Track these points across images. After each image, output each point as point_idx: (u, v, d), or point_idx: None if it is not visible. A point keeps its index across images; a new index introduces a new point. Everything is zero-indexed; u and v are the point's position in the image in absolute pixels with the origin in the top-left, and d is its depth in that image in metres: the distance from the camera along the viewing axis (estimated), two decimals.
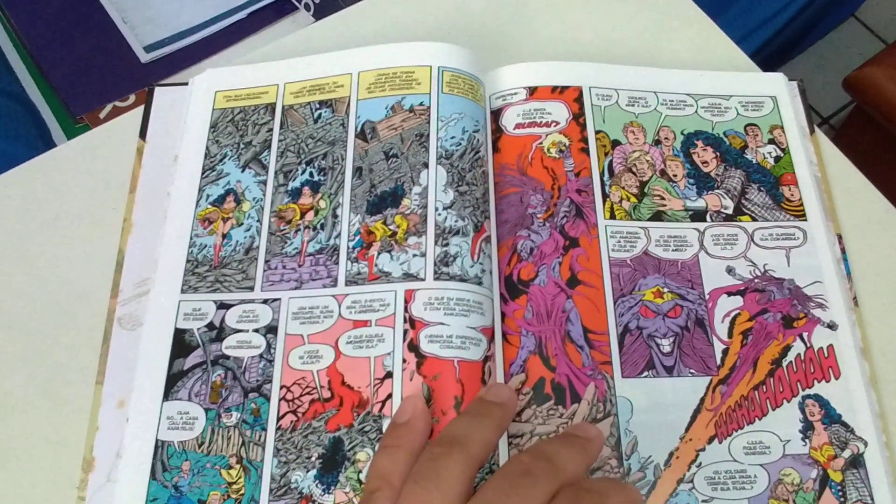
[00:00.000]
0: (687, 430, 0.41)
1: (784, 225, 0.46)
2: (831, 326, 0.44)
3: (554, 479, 0.31)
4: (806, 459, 0.40)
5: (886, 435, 0.42)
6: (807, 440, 0.41)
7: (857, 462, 0.40)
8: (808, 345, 0.43)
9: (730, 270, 0.45)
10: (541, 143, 0.47)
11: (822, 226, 0.46)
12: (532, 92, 0.49)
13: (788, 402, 0.42)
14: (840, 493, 0.40)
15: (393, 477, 0.32)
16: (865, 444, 0.41)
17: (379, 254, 0.43)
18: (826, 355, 0.43)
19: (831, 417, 0.41)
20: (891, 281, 0.46)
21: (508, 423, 0.36)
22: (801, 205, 0.47)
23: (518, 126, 0.48)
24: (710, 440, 0.41)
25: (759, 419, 0.41)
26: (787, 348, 0.43)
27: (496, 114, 0.49)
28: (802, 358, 0.43)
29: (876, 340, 0.44)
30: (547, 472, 0.31)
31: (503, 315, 0.43)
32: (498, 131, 0.48)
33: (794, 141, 0.49)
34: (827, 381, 0.42)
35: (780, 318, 0.44)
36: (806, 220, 0.47)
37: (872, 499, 0.40)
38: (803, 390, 0.42)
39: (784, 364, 0.43)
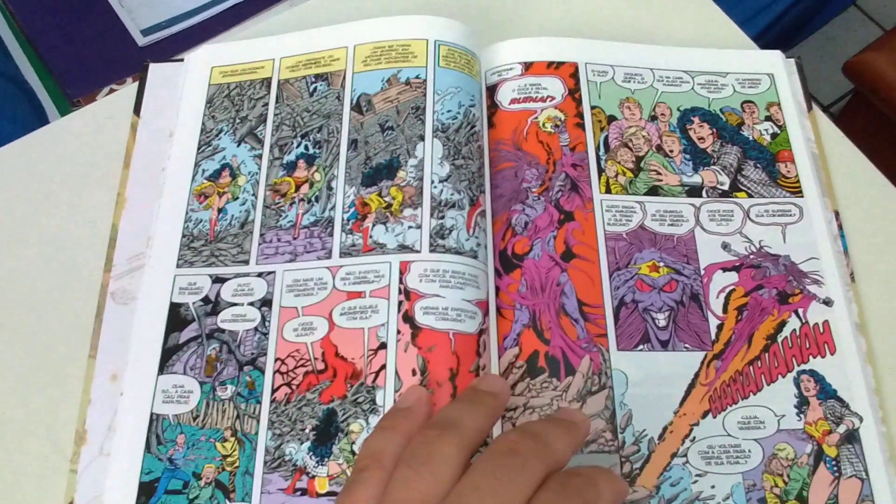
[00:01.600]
0: (681, 404, 0.41)
1: (780, 201, 0.46)
2: (827, 302, 0.43)
3: (542, 458, 0.30)
4: (800, 434, 0.40)
5: (883, 410, 0.41)
6: (802, 415, 0.41)
7: (852, 437, 0.40)
8: (804, 320, 0.43)
9: (725, 246, 0.45)
10: (536, 118, 0.47)
11: (819, 202, 0.46)
12: (527, 67, 0.49)
13: (783, 377, 0.41)
14: (835, 468, 0.39)
15: (384, 457, 0.31)
16: (861, 419, 0.41)
17: (374, 225, 0.43)
18: (822, 331, 0.43)
19: (826, 393, 0.41)
20: (888, 257, 0.46)
21: (501, 412, 0.36)
22: (798, 181, 0.47)
23: (513, 101, 0.48)
24: (704, 414, 0.40)
25: (754, 394, 0.41)
26: (783, 324, 0.43)
27: (491, 89, 0.48)
28: (798, 333, 0.43)
29: (873, 316, 0.44)
30: (535, 452, 0.30)
31: (497, 289, 0.43)
32: (493, 107, 0.48)
33: (790, 118, 0.49)
34: (822, 357, 0.42)
35: (776, 294, 0.44)
36: (802, 196, 0.46)
37: (867, 474, 0.39)
38: (798, 365, 0.42)
39: (779, 339, 0.42)
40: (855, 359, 0.42)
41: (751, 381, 0.41)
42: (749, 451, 0.40)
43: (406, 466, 0.30)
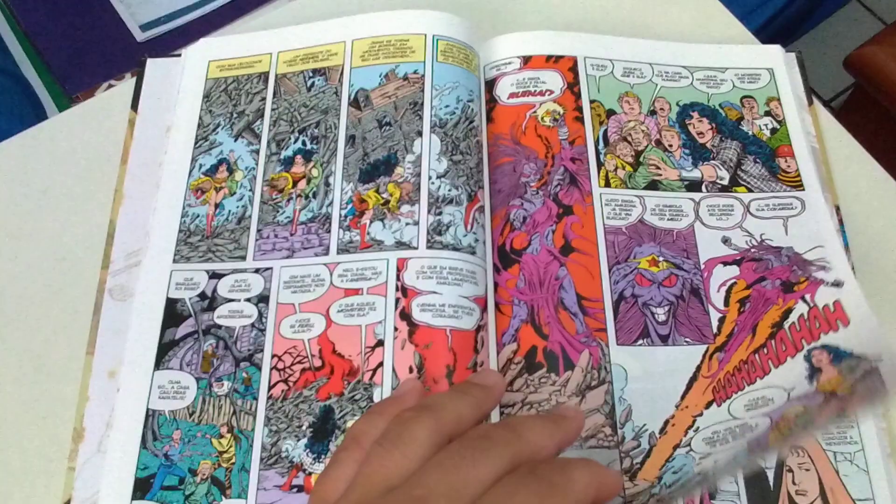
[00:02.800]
0: (682, 397, 0.40)
1: (781, 195, 0.46)
2: (837, 284, 0.42)
3: (512, 445, 0.30)
4: (812, 394, 0.38)
5: (883, 406, 0.41)
6: (814, 381, 0.39)
7: (870, 373, 0.37)
8: (812, 304, 0.41)
9: (725, 241, 0.44)
10: (535, 111, 0.47)
11: (821, 196, 0.46)
12: (526, 61, 0.48)
13: (793, 357, 0.40)
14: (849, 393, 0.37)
15: (364, 438, 0.32)
16: (881, 359, 0.37)
17: (371, 222, 0.42)
18: (833, 310, 0.41)
19: (841, 357, 0.39)
20: (889, 252, 0.46)
21: (490, 405, 0.35)
22: (798, 176, 0.47)
23: (512, 95, 0.48)
24: (708, 405, 0.40)
25: (761, 378, 0.40)
26: (789, 311, 0.42)
27: (490, 84, 0.48)
28: (806, 317, 0.41)
29: (873, 312, 0.44)
30: (505, 439, 0.30)
31: (496, 285, 0.42)
32: (492, 101, 0.48)
33: (790, 113, 0.49)
34: (835, 331, 0.40)
35: (780, 284, 0.43)
36: (803, 190, 0.46)
37: (884, 383, 0.36)
38: (809, 345, 0.40)
39: (786, 325, 0.41)
40: (872, 320, 0.39)
41: (757, 368, 0.40)
42: (756, 424, 0.39)
43: (378, 445, 0.30)
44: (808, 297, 0.42)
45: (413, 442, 0.30)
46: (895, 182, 0.48)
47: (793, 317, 0.42)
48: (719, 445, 0.39)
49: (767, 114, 0.49)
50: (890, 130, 0.92)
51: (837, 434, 0.40)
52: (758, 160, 0.47)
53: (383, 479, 0.29)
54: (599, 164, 0.46)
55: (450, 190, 0.43)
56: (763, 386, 0.40)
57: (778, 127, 0.48)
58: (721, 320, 0.42)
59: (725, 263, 0.44)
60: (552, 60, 0.49)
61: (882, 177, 0.48)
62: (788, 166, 0.47)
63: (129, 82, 0.51)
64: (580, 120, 0.47)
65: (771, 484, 0.39)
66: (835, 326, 0.40)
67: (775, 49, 0.51)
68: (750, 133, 0.48)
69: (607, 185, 0.45)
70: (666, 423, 0.40)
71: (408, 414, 0.31)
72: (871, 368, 0.37)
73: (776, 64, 0.50)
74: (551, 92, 0.48)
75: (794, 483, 0.39)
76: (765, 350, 0.41)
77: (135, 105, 0.50)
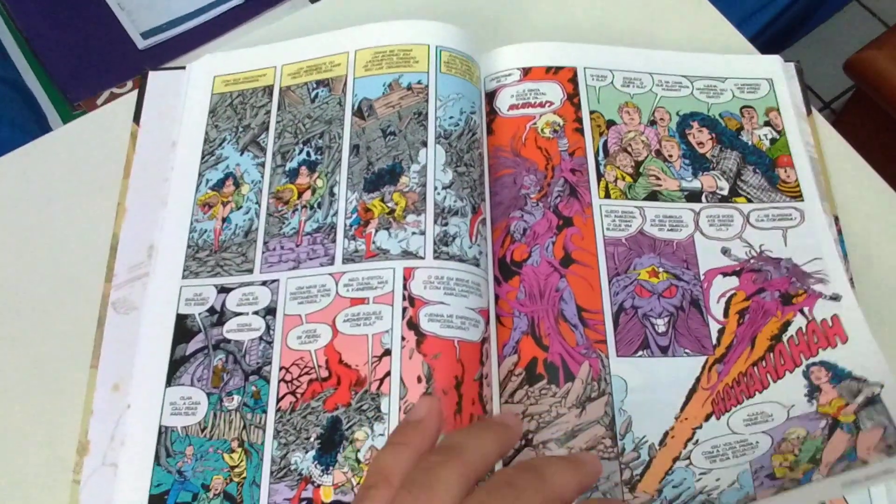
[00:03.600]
0: (682, 409, 0.41)
1: (780, 206, 0.46)
2: (834, 298, 0.43)
3: (539, 490, 0.30)
4: (813, 416, 0.40)
5: None
6: (813, 401, 0.40)
7: (872, 401, 0.39)
8: (810, 318, 0.42)
9: (725, 251, 0.45)
10: (534, 123, 0.47)
11: (819, 206, 0.46)
12: (526, 73, 0.49)
13: (791, 372, 0.41)
14: (853, 428, 0.38)
15: (393, 476, 0.31)
16: (882, 386, 0.39)
17: (377, 231, 0.43)
18: (830, 325, 0.42)
19: (840, 377, 0.40)
20: (887, 262, 0.46)
21: (511, 443, 0.35)
22: (797, 186, 0.47)
23: (512, 107, 0.48)
24: (707, 417, 0.41)
25: (760, 392, 0.41)
26: (787, 323, 0.43)
27: (490, 95, 0.49)
28: (804, 331, 0.42)
29: (871, 321, 0.44)
30: (531, 484, 0.30)
31: (496, 297, 0.43)
32: (492, 113, 0.48)
33: (789, 123, 0.49)
34: (833, 347, 0.41)
35: (778, 296, 0.44)
36: (802, 200, 0.47)
37: (892, 421, 0.38)
38: (807, 360, 0.41)
39: (784, 338, 0.42)
40: (871, 344, 0.40)
41: (756, 381, 0.41)
42: (757, 442, 0.39)
43: (406, 492, 0.30)
44: (806, 309, 0.43)
45: (442, 489, 0.29)
46: (894, 192, 0.48)
47: (791, 330, 0.42)
48: (719, 461, 0.39)
49: (767, 124, 0.49)
50: (890, 134, 0.92)
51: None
52: (757, 170, 0.48)
53: None
54: (599, 176, 0.46)
55: (455, 201, 0.43)
56: (762, 400, 0.41)
57: (777, 137, 0.49)
58: (720, 331, 0.43)
59: (725, 274, 0.44)
60: (552, 71, 0.49)
61: (880, 186, 0.49)
62: (788, 176, 0.47)
63: (130, 94, 0.52)
64: (580, 131, 0.47)
65: None
66: (833, 342, 0.41)
67: (774, 59, 0.51)
68: (749, 143, 0.48)
69: (607, 196, 0.46)
70: (665, 434, 0.40)
71: (434, 458, 0.31)
72: (872, 396, 0.38)
73: (775, 74, 0.51)
74: (551, 103, 0.48)
75: None
76: (763, 363, 0.42)
77: (136, 118, 0.50)
